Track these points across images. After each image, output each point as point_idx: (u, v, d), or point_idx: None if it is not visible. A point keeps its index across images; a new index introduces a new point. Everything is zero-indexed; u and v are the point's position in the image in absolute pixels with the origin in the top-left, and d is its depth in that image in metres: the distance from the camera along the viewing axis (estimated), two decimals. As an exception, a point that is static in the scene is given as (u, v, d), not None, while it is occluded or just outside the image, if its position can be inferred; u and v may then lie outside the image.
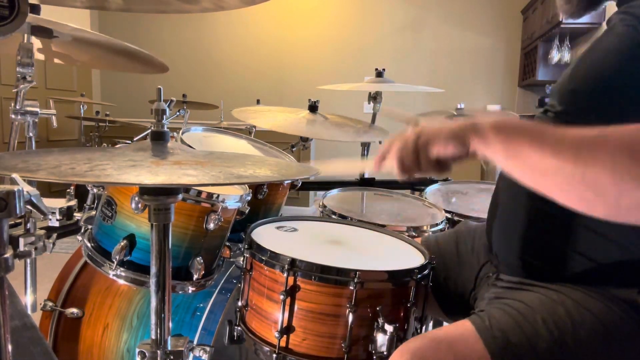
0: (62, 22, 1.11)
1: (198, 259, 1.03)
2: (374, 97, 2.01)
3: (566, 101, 0.83)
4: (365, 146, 2.04)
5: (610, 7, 0.87)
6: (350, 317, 0.84)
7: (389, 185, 1.97)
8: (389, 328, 0.82)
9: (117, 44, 1.23)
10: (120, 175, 0.57)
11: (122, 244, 0.96)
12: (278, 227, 1.11)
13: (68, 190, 1.17)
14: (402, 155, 0.74)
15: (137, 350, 0.74)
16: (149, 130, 0.77)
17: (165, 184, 0.60)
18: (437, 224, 1.37)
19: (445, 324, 1.50)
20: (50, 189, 4.16)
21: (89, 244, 1.04)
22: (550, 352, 0.72)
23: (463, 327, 0.78)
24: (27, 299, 0.99)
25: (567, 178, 0.56)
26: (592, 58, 0.80)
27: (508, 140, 0.63)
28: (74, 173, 0.56)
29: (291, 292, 0.86)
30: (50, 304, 1.20)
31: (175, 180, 0.59)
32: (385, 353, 0.83)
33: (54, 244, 1.04)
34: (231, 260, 1.25)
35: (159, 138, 0.75)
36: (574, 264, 0.79)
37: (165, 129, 0.76)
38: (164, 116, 0.75)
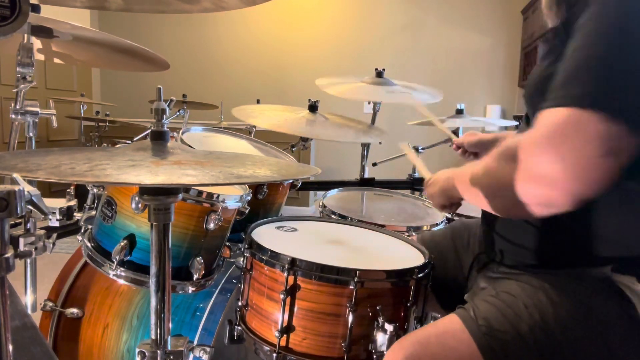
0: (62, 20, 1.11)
1: (198, 259, 1.03)
2: (374, 97, 2.00)
3: None
4: (366, 146, 2.04)
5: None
6: (351, 317, 0.84)
7: (389, 185, 1.97)
8: (389, 327, 0.83)
9: (117, 42, 1.22)
10: (120, 175, 0.57)
11: (122, 244, 0.96)
12: (278, 227, 1.11)
13: (68, 190, 1.17)
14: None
15: (137, 350, 0.74)
16: (149, 130, 0.77)
17: (165, 183, 0.60)
18: (437, 224, 1.37)
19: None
20: (50, 189, 4.15)
21: (89, 244, 1.04)
22: (533, 333, 0.75)
23: (450, 321, 0.81)
24: (27, 299, 0.99)
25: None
26: None
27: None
28: (74, 173, 0.55)
29: (291, 291, 0.86)
30: (50, 304, 1.20)
31: (175, 180, 0.59)
32: (385, 352, 0.83)
33: (54, 244, 1.04)
34: (231, 260, 1.25)
35: (159, 138, 0.75)
36: (553, 248, 0.83)
37: (165, 128, 0.76)
38: (164, 116, 0.75)
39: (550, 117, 0.63)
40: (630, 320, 0.74)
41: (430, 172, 1.12)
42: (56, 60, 1.37)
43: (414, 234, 1.30)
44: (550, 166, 0.61)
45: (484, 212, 0.99)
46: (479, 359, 0.75)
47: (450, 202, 0.98)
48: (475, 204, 0.82)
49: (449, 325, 0.80)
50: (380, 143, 2.03)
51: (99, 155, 0.67)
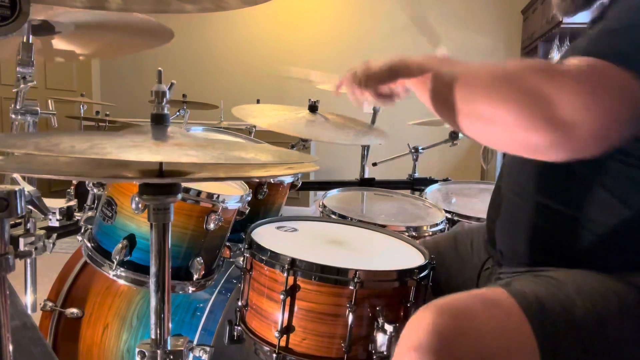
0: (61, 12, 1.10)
1: (198, 259, 1.03)
2: (374, 97, 2.01)
3: None
4: (366, 146, 2.04)
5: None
6: (350, 317, 0.84)
7: (389, 185, 1.98)
8: (388, 328, 0.83)
9: (120, 17, 1.19)
10: (121, 154, 0.55)
11: (122, 244, 0.96)
12: (278, 227, 1.11)
13: (68, 190, 1.17)
14: (353, 84, 0.90)
15: (137, 350, 0.73)
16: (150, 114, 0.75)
17: (166, 161, 0.59)
18: (437, 224, 1.37)
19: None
20: (50, 189, 4.15)
21: (89, 244, 1.04)
22: (586, 322, 0.69)
23: (494, 292, 0.72)
24: (27, 299, 0.99)
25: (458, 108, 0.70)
26: None
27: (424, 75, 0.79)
28: (74, 151, 0.54)
29: (291, 292, 0.86)
30: (50, 304, 1.20)
31: (176, 159, 0.57)
32: (385, 353, 0.83)
33: (54, 244, 1.03)
34: (231, 260, 1.25)
35: (159, 121, 0.73)
36: (579, 255, 0.78)
37: (166, 111, 0.73)
38: (164, 99, 0.73)
39: (587, 63, 0.61)
40: None
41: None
42: (58, 59, 1.36)
43: (414, 234, 1.30)
44: (579, 108, 0.59)
45: (489, 213, 0.98)
46: (530, 337, 0.66)
47: (391, 85, 0.87)
48: (437, 104, 0.74)
49: (495, 296, 0.70)
50: (380, 144, 2.03)
51: (100, 137, 0.66)
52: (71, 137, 0.62)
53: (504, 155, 0.96)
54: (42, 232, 0.81)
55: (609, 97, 0.60)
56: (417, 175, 2.14)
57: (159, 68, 0.76)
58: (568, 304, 0.70)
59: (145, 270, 0.98)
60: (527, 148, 0.65)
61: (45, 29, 1.09)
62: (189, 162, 0.62)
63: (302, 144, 1.98)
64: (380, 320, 0.84)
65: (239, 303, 1.00)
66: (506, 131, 0.65)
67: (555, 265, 0.81)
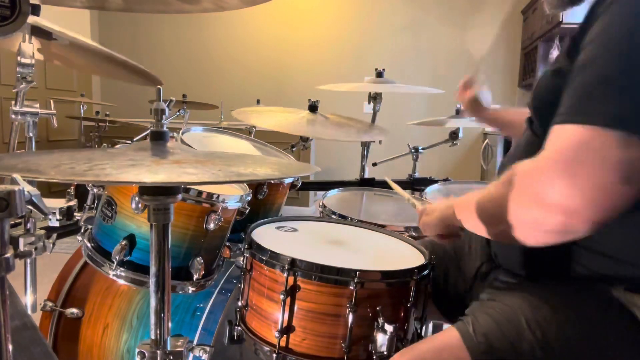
0: (61, 21, 1.11)
1: (198, 259, 1.03)
2: (374, 97, 2.01)
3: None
4: (366, 146, 2.04)
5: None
6: (351, 317, 0.84)
7: (389, 185, 1.97)
8: (389, 328, 0.83)
9: (112, 55, 1.21)
10: (120, 175, 0.57)
11: (122, 244, 0.96)
12: (278, 227, 1.11)
13: (68, 190, 1.17)
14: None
15: (137, 350, 0.73)
16: (149, 130, 0.77)
17: (165, 182, 0.60)
18: (437, 224, 1.37)
19: (445, 325, 1.49)
20: (50, 189, 4.15)
21: (89, 244, 1.04)
22: (533, 352, 0.73)
23: (448, 335, 0.80)
24: (27, 299, 0.99)
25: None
26: None
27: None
28: (74, 173, 0.55)
29: (291, 292, 0.86)
30: (50, 304, 1.20)
31: (175, 179, 0.58)
32: (385, 353, 0.83)
33: (54, 244, 1.04)
34: (231, 260, 1.25)
35: (158, 138, 0.75)
36: (553, 259, 0.80)
37: (165, 129, 0.75)
38: (164, 116, 0.75)
39: (563, 137, 0.61)
40: (638, 345, 0.72)
41: (420, 201, 1.07)
42: (56, 62, 1.37)
43: (414, 234, 1.30)
44: (566, 195, 0.58)
45: None
46: None
47: (449, 231, 0.94)
48: (479, 233, 0.79)
49: (446, 341, 0.79)
50: (380, 142, 2.03)
51: (99, 155, 0.67)
52: (71, 156, 0.63)
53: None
54: (42, 232, 0.80)
55: (589, 173, 0.58)
56: (417, 175, 2.14)
57: (159, 86, 0.77)
58: (515, 338, 0.74)
59: (145, 270, 0.98)
60: (551, 238, 0.65)
61: (43, 33, 1.09)
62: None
63: (302, 144, 1.98)
64: (381, 321, 0.84)
65: (239, 303, 1.00)
66: (527, 232, 0.67)
67: (539, 273, 0.83)
